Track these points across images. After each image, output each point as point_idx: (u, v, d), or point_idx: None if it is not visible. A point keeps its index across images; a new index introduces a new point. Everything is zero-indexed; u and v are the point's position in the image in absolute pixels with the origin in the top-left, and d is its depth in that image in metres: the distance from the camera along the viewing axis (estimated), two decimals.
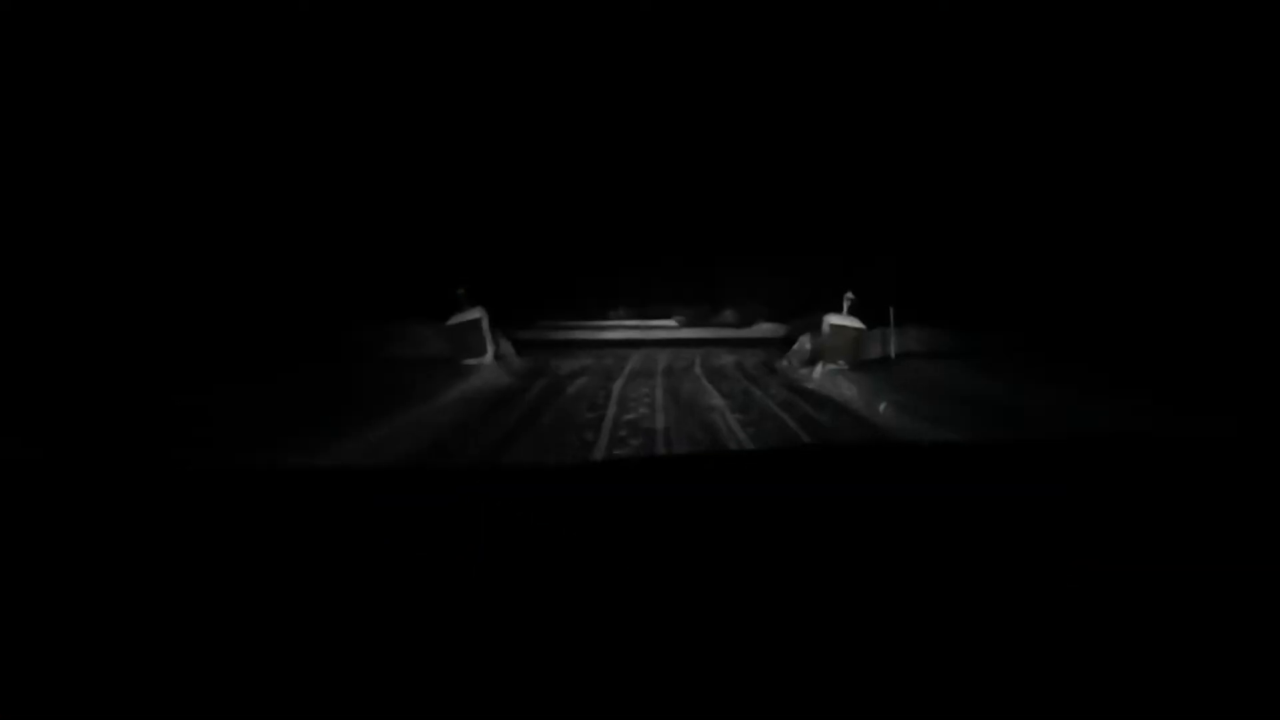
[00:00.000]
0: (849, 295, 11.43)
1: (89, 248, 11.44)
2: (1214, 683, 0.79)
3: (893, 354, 11.84)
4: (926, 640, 0.86)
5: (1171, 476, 1.52)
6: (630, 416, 8.13)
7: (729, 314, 24.59)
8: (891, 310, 11.97)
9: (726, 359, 14.80)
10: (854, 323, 11.28)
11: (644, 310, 25.61)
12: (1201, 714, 0.76)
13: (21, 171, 10.84)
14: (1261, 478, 1.48)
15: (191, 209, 13.39)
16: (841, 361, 11.19)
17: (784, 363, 13.64)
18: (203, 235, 13.32)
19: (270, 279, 14.04)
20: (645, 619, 0.90)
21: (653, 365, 13.84)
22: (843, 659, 0.82)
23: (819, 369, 11.20)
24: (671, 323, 23.66)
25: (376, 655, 0.84)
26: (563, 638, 0.87)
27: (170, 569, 1.08)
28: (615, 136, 23.61)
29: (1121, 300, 13.67)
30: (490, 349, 11.36)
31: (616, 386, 10.59)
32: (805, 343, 13.89)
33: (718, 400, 9.34)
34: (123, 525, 1.28)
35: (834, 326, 11.23)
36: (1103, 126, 14.81)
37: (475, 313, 11.31)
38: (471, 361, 11.10)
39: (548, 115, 22.64)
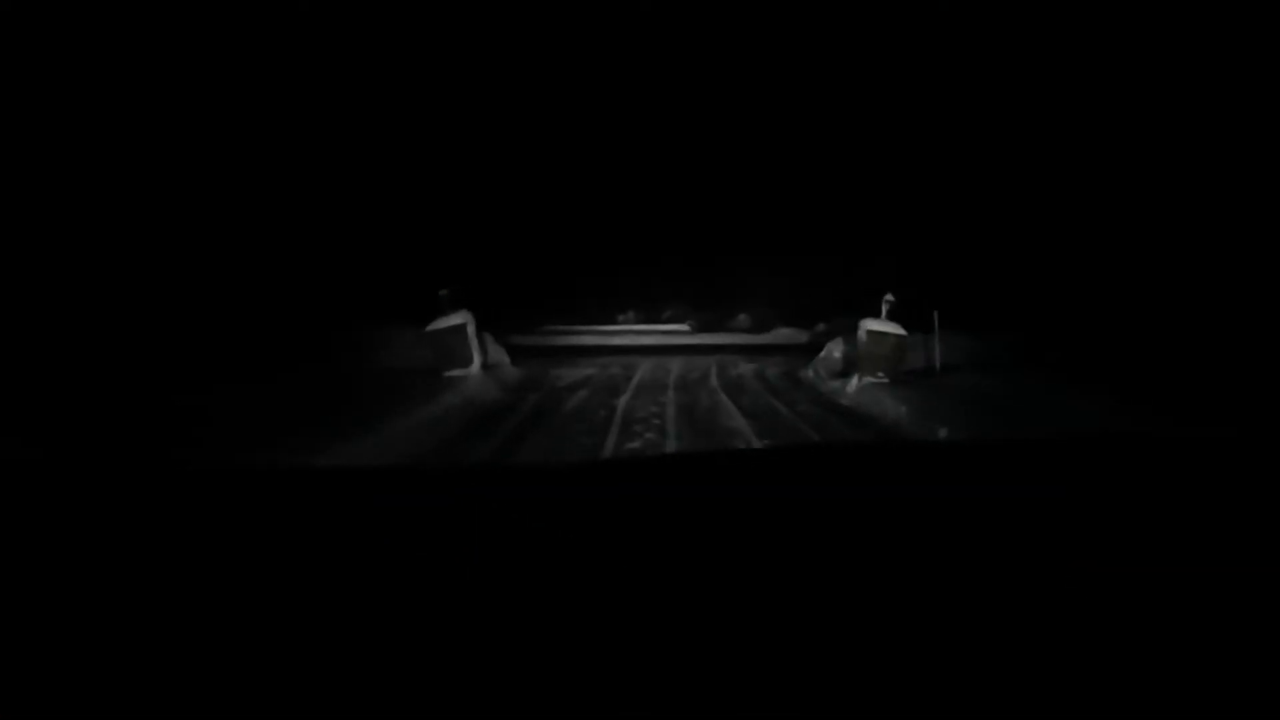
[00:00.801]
0: (889, 298, 9.95)
1: (63, 252, 10.65)
2: (1213, 684, 0.79)
3: (938, 364, 10.35)
4: (926, 641, 0.86)
5: (1170, 477, 1.50)
6: (635, 445, 6.70)
7: (743, 318, 23.08)
8: (935, 315, 10.48)
9: (744, 368, 13.33)
10: (895, 329, 9.80)
11: (654, 315, 24.18)
12: (1200, 716, 0.76)
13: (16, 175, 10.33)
14: (1261, 478, 1.46)
15: (171, 211, 12.47)
16: (880, 373, 9.72)
17: (809, 373, 12.20)
18: (181, 236, 12.36)
19: (248, 279, 13.01)
20: (642, 623, 0.91)
21: (663, 375, 12.42)
22: (842, 661, 0.83)
23: (855, 382, 9.73)
24: (684, 327, 22.14)
25: (370, 657, 0.84)
26: (555, 643, 0.87)
27: (167, 569, 1.09)
28: (622, 133, 22.25)
29: (1164, 301, 12.25)
30: (477, 358, 9.92)
31: (621, 403, 9.16)
32: (834, 350, 12.46)
33: (739, 421, 7.90)
34: (123, 525, 1.30)
35: (872, 333, 9.75)
36: (1138, 129, 13.42)
37: (460, 317, 9.87)
38: (456, 373, 9.67)
39: (551, 109, 21.33)
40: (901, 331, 9.81)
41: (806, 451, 2.92)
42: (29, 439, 5.16)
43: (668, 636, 0.86)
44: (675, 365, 13.75)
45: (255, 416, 6.66)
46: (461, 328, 9.75)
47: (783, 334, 19.92)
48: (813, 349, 14.21)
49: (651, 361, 14.39)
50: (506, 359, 12.18)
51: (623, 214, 22.85)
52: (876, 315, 10.46)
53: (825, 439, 7.31)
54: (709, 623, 0.89)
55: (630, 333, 20.84)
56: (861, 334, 9.88)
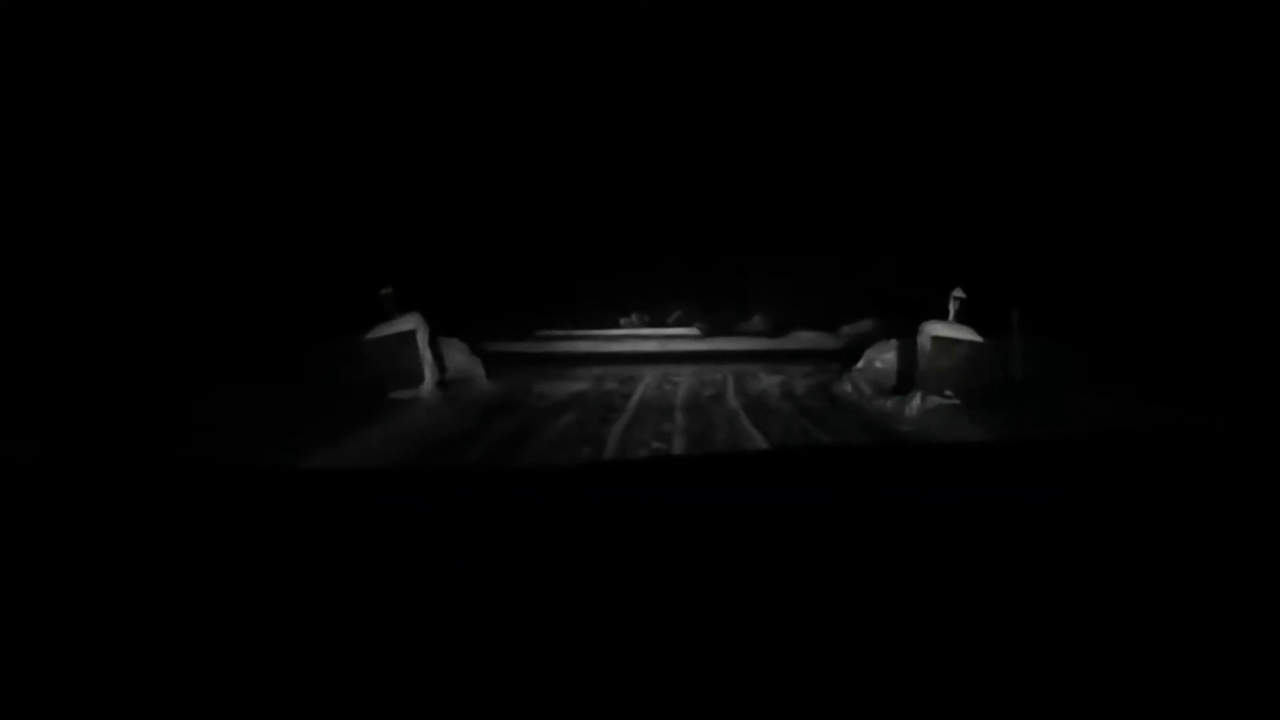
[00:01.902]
0: (958, 294, 7.73)
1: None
2: (1214, 689, 0.77)
3: (1018, 378, 8.15)
4: (926, 644, 0.84)
5: (1172, 479, 1.46)
6: None
7: (758, 320, 20.85)
8: (1015, 315, 8.26)
9: (767, 382, 11.11)
10: (968, 334, 7.59)
11: (659, 318, 22.02)
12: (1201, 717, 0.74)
13: None
14: (1263, 481, 1.42)
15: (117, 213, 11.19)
16: (948, 392, 7.51)
17: (847, 387, 9.99)
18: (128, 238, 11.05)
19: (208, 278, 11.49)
20: (627, 627, 0.89)
21: (669, 391, 10.25)
22: (843, 664, 0.81)
23: (916, 402, 7.53)
24: (692, 331, 19.88)
25: (358, 655, 0.84)
26: (542, 646, 0.85)
27: (161, 567, 1.09)
28: (623, 124, 20.25)
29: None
30: (430, 374, 7.74)
31: (614, 433, 7.00)
32: (876, 359, 10.25)
33: None
34: (119, 524, 1.28)
35: (939, 340, 7.54)
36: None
37: (407, 322, 7.69)
38: (403, 394, 7.50)
39: (549, 99, 19.38)
40: (976, 337, 7.60)
41: (807, 453, 2.82)
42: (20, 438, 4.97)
43: (657, 641, 0.85)
44: (683, 377, 11.56)
45: None
46: (409, 336, 7.57)
47: (804, 338, 17.63)
48: (846, 356, 12.02)
49: (656, 372, 12.21)
50: (481, 371, 10.03)
51: (624, 209, 20.91)
52: (930, 313, 8.28)
53: (830, 440, 6.61)
54: (701, 628, 0.88)
55: (633, 338, 18.60)
56: (924, 341, 7.66)
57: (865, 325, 17.33)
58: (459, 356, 10.07)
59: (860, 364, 10.44)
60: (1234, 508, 1.22)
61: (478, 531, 1.18)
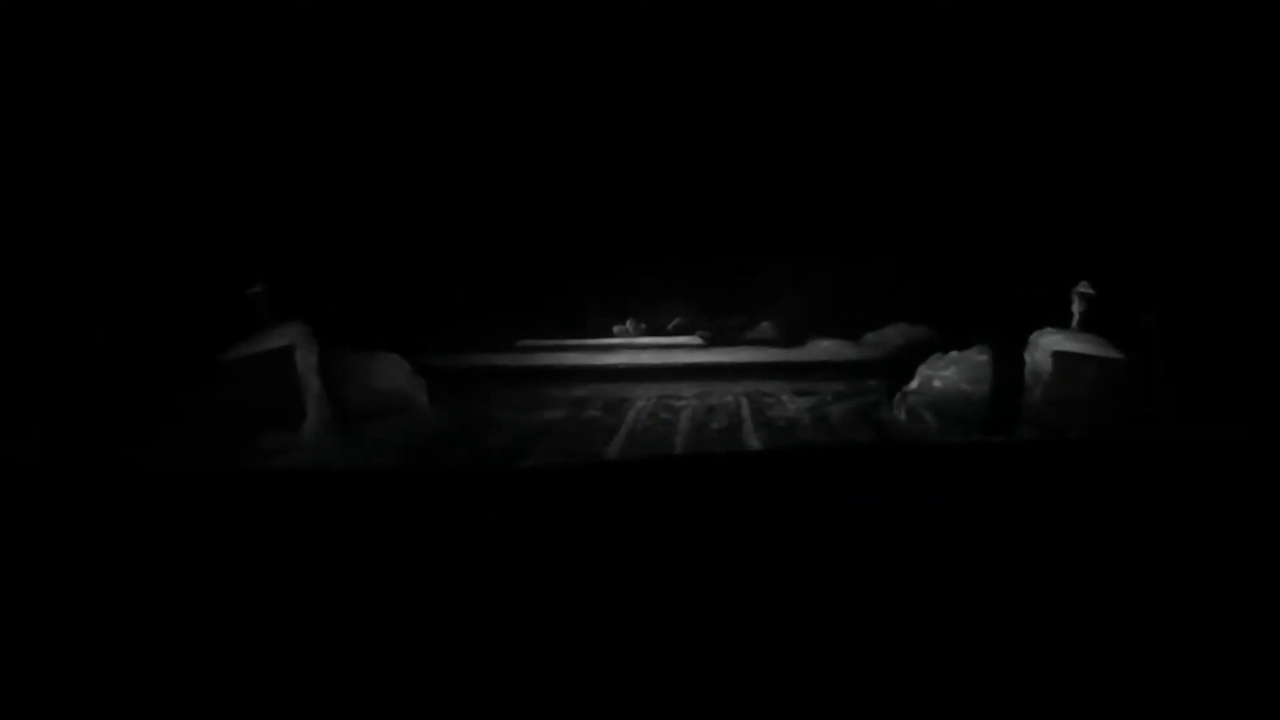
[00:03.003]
0: (1083, 289, 5.34)
1: None
2: (1220, 692, 0.74)
3: (1164, 409, 5.78)
4: (930, 647, 0.83)
5: (1181, 481, 1.42)
6: None
7: (766, 327, 18.50)
8: (1152, 319, 5.88)
9: (793, 406, 8.76)
10: (1099, 348, 5.21)
11: (657, 324, 19.70)
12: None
13: None
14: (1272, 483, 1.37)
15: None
16: (1074, 433, 5.14)
17: (900, 415, 7.67)
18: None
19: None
20: (622, 629, 0.89)
21: (669, 420, 7.97)
22: (842, 666, 0.80)
23: None
24: (695, 340, 17.51)
25: (350, 656, 0.84)
26: (533, 647, 0.85)
27: (154, 568, 1.10)
28: (617, 103, 18.04)
29: None
30: (314, 410, 5.33)
31: None
32: (934, 378, 7.91)
33: None
34: (114, 525, 1.29)
35: (1062, 357, 5.15)
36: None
37: (282, 335, 5.28)
38: (276, 441, 5.09)
39: (538, 84, 17.15)
40: (1113, 353, 5.22)
41: (810, 454, 2.91)
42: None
43: (652, 643, 0.85)
44: (687, 399, 9.24)
45: None
46: (284, 354, 5.16)
47: (823, 348, 15.22)
48: (889, 371, 9.68)
49: (653, 391, 9.92)
50: (423, 397, 7.69)
51: (617, 198, 18.70)
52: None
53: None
54: (698, 631, 0.88)
55: (626, 348, 16.21)
56: (1039, 357, 5.28)
57: (893, 331, 15.08)
58: (395, 377, 7.71)
59: (914, 383, 8.07)
60: (1237, 509, 1.19)
61: (471, 533, 1.18)
